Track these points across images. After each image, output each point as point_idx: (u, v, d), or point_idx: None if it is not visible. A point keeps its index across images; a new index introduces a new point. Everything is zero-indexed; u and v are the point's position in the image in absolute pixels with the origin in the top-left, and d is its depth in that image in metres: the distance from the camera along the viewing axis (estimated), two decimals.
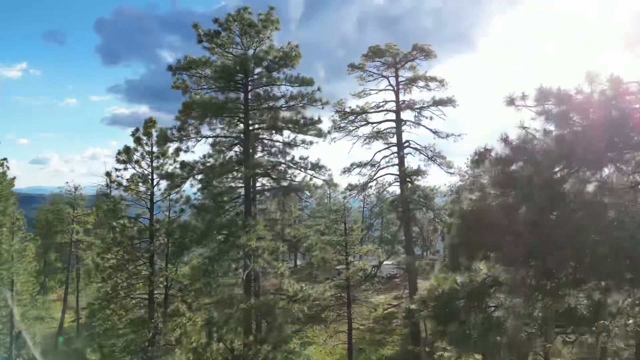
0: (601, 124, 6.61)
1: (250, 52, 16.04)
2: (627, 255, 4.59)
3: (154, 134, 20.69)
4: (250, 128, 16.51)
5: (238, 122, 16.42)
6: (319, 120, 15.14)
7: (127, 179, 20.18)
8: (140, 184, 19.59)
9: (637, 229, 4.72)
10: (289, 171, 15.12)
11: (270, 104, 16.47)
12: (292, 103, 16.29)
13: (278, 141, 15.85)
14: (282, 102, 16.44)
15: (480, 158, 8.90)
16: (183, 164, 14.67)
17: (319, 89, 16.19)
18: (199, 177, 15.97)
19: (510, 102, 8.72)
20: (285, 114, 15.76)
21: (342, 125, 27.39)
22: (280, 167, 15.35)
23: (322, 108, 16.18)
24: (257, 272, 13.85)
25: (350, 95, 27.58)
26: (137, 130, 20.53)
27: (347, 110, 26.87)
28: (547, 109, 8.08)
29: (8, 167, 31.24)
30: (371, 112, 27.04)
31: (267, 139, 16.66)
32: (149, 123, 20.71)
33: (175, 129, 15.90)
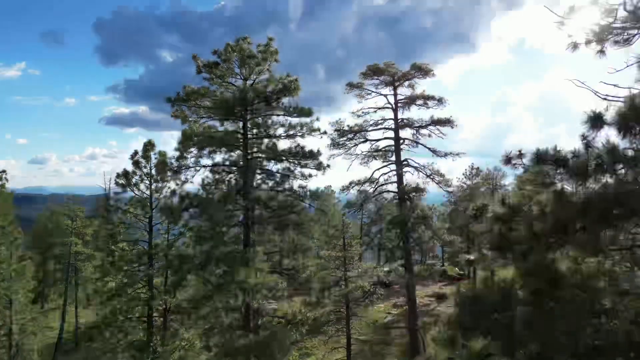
0: (597, 195, 6.66)
1: (250, 82, 16.10)
2: (625, 349, 4.65)
3: (153, 157, 20.82)
4: (249, 157, 16.58)
5: (237, 150, 16.49)
6: (319, 153, 15.22)
7: (125, 203, 20.27)
8: (139, 208, 19.68)
9: (634, 320, 4.77)
10: (288, 201, 15.16)
11: (270, 132, 16.53)
12: (291, 132, 16.35)
13: (277, 172, 15.92)
14: (281, 130, 16.51)
15: (478, 213, 8.96)
16: (182, 197, 14.71)
17: (317, 119, 16.29)
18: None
19: (507, 161, 8.79)
20: (284, 144, 15.86)
21: (340, 142, 27.49)
22: (279, 197, 15.39)
23: (321, 137, 16.26)
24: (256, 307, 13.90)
25: (349, 113, 27.70)
26: (135, 153, 20.63)
27: (346, 129, 26.94)
28: (544, 170, 8.14)
29: (7, 179, 31.29)
30: (370, 130, 27.15)
31: (265, 169, 16.72)
32: (148, 146, 20.81)
33: (174, 159, 15.95)
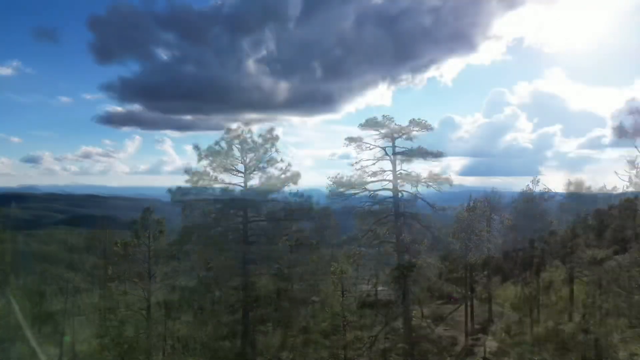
0: None
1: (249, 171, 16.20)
2: None
3: (152, 224, 20.75)
4: (250, 238, 16.65)
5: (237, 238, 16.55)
6: (317, 246, 15.33)
7: (124, 272, 20.13)
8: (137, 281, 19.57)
9: None
10: (288, 297, 15.22)
11: (270, 215, 16.63)
12: (291, 215, 16.48)
13: (280, 258, 16.03)
14: (281, 214, 16.61)
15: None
16: (182, 292, 14.74)
17: (317, 204, 16.42)
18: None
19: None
20: (285, 233, 15.99)
21: (339, 191, 27.44)
22: (279, 288, 15.45)
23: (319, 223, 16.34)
24: None
25: (348, 165, 27.66)
26: (134, 222, 20.57)
27: (344, 180, 26.89)
28: None
29: None
30: (369, 182, 27.13)
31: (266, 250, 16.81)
32: (146, 213, 20.75)
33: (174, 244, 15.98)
